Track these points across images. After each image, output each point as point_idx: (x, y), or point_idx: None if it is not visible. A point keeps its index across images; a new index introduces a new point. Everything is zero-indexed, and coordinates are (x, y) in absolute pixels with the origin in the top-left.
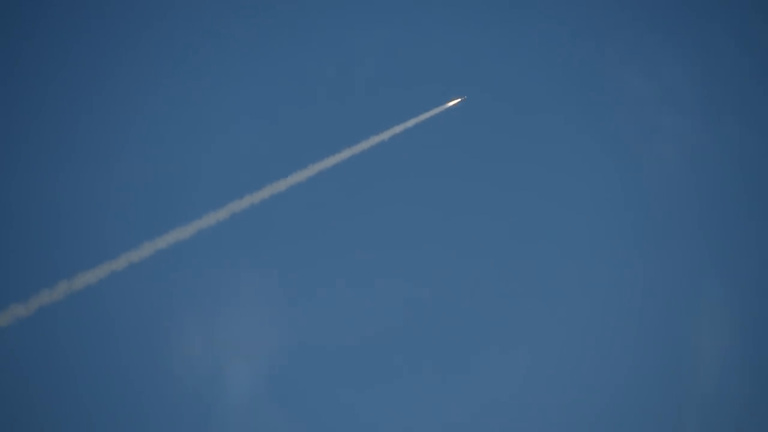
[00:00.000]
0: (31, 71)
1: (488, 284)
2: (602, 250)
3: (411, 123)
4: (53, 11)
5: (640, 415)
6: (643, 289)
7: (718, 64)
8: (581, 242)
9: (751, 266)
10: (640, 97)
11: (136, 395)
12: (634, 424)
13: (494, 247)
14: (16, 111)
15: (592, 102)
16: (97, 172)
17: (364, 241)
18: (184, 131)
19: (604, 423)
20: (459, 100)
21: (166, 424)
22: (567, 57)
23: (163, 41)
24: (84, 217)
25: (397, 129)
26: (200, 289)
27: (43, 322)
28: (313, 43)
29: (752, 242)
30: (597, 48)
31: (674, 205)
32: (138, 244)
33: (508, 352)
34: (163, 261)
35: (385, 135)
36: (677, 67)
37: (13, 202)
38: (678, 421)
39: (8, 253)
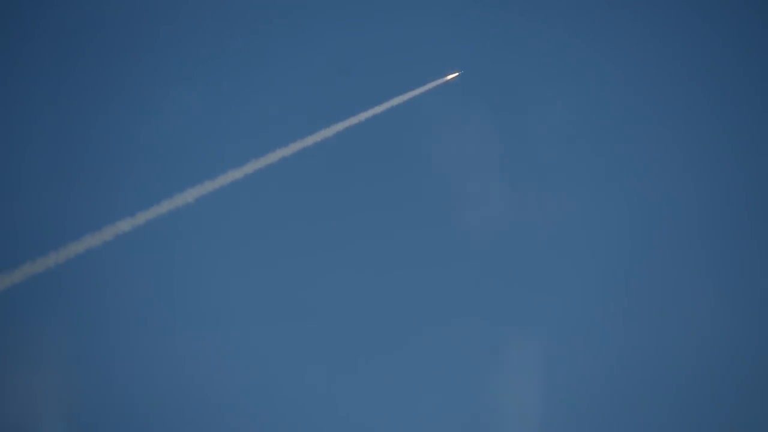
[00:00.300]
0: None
1: (481, 277)
2: (600, 241)
3: (404, 98)
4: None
5: (639, 415)
6: (640, 287)
7: (716, 64)
8: (580, 232)
9: (750, 266)
10: (641, 76)
11: (119, 394)
12: (633, 424)
13: (488, 234)
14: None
15: (592, 83)
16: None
17: (352, 226)
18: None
19: (603, 423)
20: (454, 75)
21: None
22: (568, 41)
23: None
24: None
25: (387, 105)
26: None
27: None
28: (302, 17)
29: (750, 243)
30: (599, 26)
31: (672, 204)
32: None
33: (503, 352)
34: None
35: (375, 110)
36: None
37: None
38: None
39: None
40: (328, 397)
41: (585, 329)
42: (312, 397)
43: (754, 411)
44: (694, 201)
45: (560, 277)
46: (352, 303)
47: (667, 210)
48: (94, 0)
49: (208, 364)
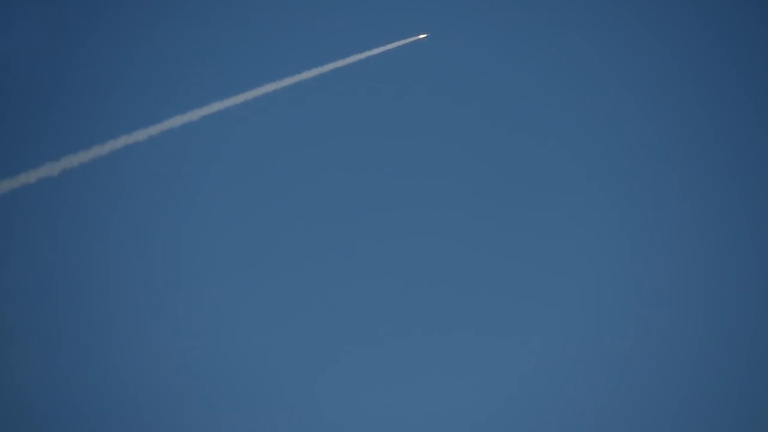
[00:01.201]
0: None
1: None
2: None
3: (363, 56)
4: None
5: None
6: (641, 286)
7: (715, 63)
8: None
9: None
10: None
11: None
12: (634, 424)
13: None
14: None
15: (571, 56)
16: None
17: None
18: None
19: (603, 422)
20: (421, 36)
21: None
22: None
23: None
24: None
25: (348, 60)
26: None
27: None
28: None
29: (749, 243)
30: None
31: (670, 202)
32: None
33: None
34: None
35: (335, 65)
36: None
37: None
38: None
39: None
40: (321, 398)
41: (581, 333)
42: (306, 397)
43: (754, 411)
44: (688, 205)
45: (555, 283)
46: (349, 302)
47: (662, 214)
48: None
49: (205, 363)
